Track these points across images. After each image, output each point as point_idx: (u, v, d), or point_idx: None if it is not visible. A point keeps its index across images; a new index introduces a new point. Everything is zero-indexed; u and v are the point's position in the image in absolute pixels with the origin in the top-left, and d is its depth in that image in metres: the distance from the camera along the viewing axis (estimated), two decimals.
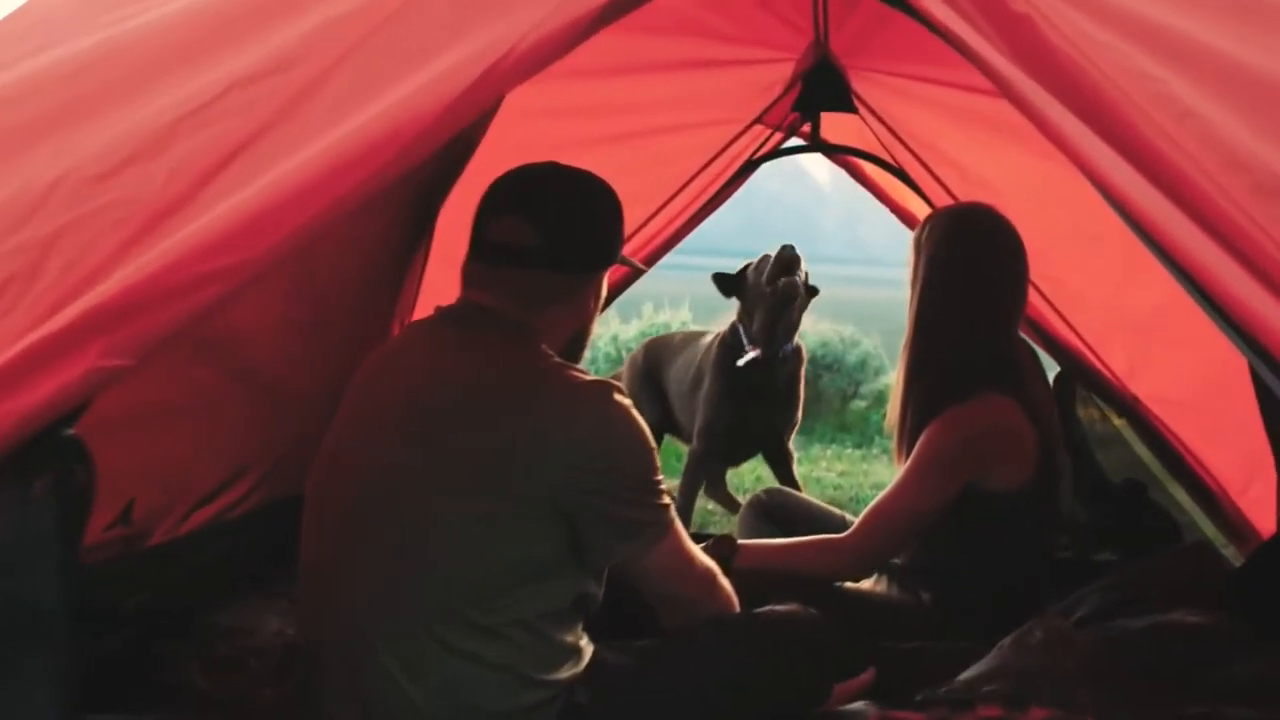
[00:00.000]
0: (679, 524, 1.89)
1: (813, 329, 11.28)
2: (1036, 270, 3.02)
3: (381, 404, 1.88)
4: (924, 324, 2.61)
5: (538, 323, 1.90)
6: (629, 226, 3.33)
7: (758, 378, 4.24)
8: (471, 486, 1.73)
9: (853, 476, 6.73)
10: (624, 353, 8.28)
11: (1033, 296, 3.19)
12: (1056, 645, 2.07)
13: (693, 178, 3.46)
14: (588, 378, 1.80)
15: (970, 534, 2.55)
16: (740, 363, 4.15)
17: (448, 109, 1.27)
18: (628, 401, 1.81)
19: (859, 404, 10.08)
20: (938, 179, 3.34)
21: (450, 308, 1.96)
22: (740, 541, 2.57)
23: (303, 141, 1.22)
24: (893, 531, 2.54)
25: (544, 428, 1.74)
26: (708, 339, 4.64)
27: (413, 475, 1.76)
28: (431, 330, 1.97)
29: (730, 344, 4.29)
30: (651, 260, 3.58)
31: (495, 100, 1.39)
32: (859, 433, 9.06)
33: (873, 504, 2.54)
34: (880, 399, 10.15)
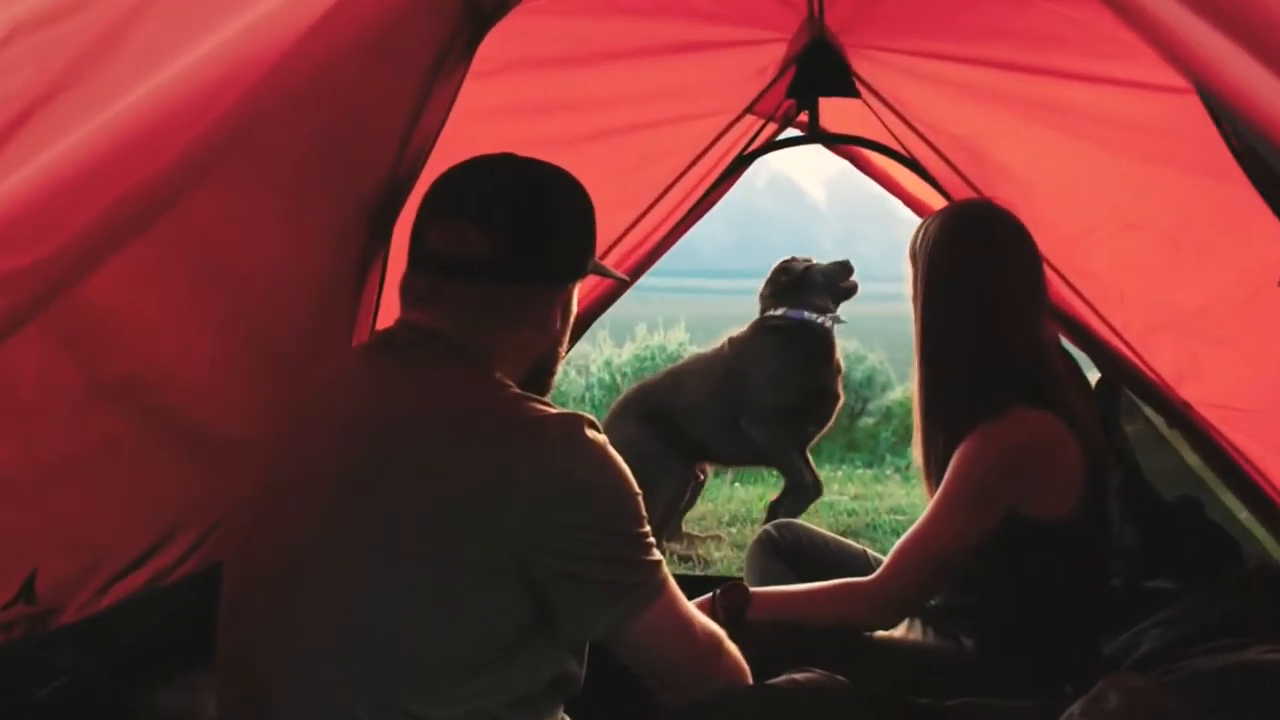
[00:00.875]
0: (672, 583, 1.60)
1: None
2: (1070, 264, 2.89)
3: (303, 453, 1.60)
4: (931, 341, 2.41)
5: (493, 347, 1.65)
6: (607, 236, 3.15)
7: (819, 346, 4.92)
8: (413, 551, 1.45)
9: (867, 500, 6.49)
10: (619, 378, 8.08)
11: (1067, 294, 2.98)
12: (1136, 710, 1.73)
13: (678, 178, 3.16)
14: (553, 410, 1.53)
15: (1015, 568, 2.32)
16: (824, 322, 4.92)
17: (305, 38, 0.93)
18: (603, 438, 1.54)
19: (867, 421, 9.97)
20: (953, 167, 3.02)
21: (387, 331, 1.69)
22: (752, 590, 2.32)
23: (112, 96, 0.88)
24: (926, 570, 2.28)
25: (500, 474, 1.46)
26: (713, 350, 5.12)
27: (342, 540, 1.48)
28: (364, 360, 1.70)
29: (783, 325, 4.91)
30: (635, 273, 3.27)
31: (371, 27, 1.05)
32: (869, 451, 8.96)
33: (902, 540, 2.29)
34: (889, 415, 10.26)
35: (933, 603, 2.39)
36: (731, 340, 5.04)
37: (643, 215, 3.19)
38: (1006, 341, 2.33)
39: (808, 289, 4.99)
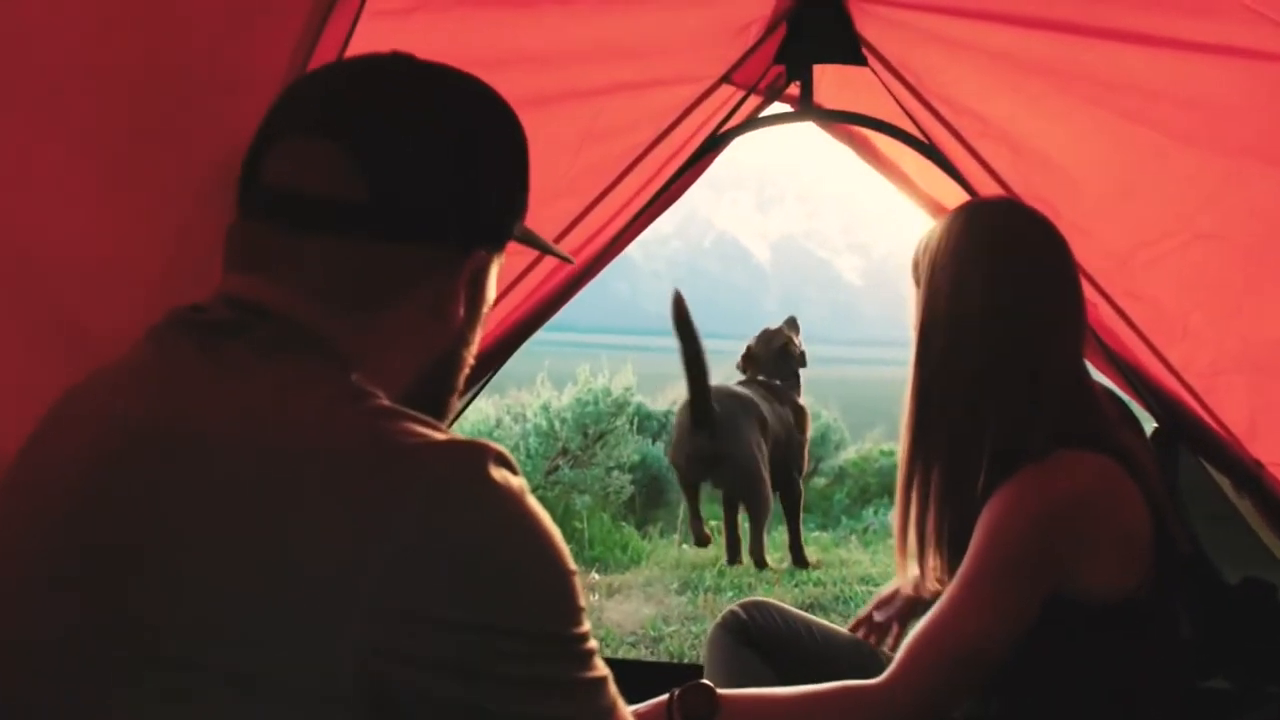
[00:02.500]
0: (623, 710, 1.04)
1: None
2: (1119, 285, 2.48)
3: (23, 504, 1.07)
4: (929, 375, 2.00)
5: (357, 337, 1.11)
6: (545, 231, 2.59)
7: None
8: (193, 666, 0.91)
9: (832, 568, 6.18)
10: (558, 425, 7.47)
11: (1113, 322, 2.55)
12: None
13: (635, 161, 2.66)
14: (438, 436, 0.98)
15: (1059, 666, 1.87)
16: None
17: None
18: (519, 482, 0.99)
19: (819, 481, 10.07)
20: (979, 158, 2.55)
21: (193, 310, 1.13)
22: (721, 693, 1.83)
23: None
24: (951, 669, 1.80)
25: (342, 537, 0.92)
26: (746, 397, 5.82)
27: (85, 643, 0.95)
28: (148, 355, 1.12)
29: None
30: (582, 277, 2.78)
31: None
32: (821, 513, 8.86)
33: (918, 630, 1.83)
34: (842, 476, 10.23)
35: (957, 716, 1.97)
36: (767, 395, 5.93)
37: (590, 207, 2.69)
38: (1028, 377, 1.92)
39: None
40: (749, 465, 5.45)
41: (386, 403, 1.02)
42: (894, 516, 2.06)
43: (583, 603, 1.00)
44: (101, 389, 1.11)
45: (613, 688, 1.02)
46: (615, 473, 7.71)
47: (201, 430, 0.98)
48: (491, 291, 1.25)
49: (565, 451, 7.63)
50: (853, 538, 7.35)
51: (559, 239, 2.64)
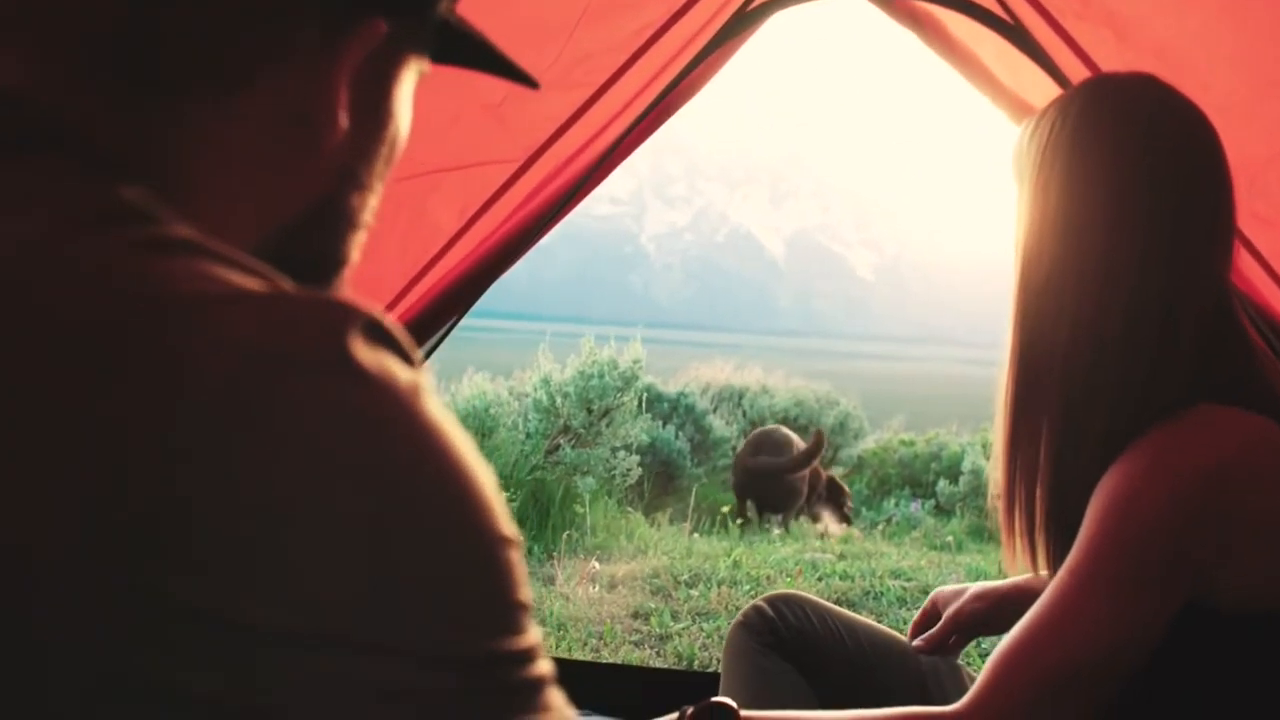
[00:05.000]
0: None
1: (784, 385, 10.88)
2: (1246, 206, 2.04)
3: None
4: (1038, 303, 1.59)
5: (154, 139, 0.65)
6: (540, 126, 2.27)
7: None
8: None
9: (857, 559, 5.85)
10: (560, 400, 7.01)
11: (1240, 259, 2.17)
12: None
13: (647, 44, 2.24)
14: (257, 288, 0.55)
15: (1196, 695, 1.50)
16: None
17: None
18: (409, 374, 0.55)
19: (837, 470, 9.79)
20: (1075, 45, 2.13)
21: None
22: (745, 715, 1.53)
23: None
24: (1048, 695, 1.45)
25: (73, 471, 0.48)
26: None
27: None
28: None
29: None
30: (588, 181, 2.34)
31: None
32: None
33: (1007, 642, 1.47)
34: (861, 465, 10.08)
35: None
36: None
37: (588, 104, 2.28)
38: (1165, 305, 1.52)
39: None
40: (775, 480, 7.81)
41: (182, 232, 0.59)
42: (996, 490, 1.69)
43: (526, 595, 0.57)
44: None
45: (556, 694, 0.59)
46: (622, 454, 7.29)
47: None
48: (402, 108, 0.77)
49: (567, 429, 7.13)
50: (873, 530, 7.14)
51: (547, 143, 2.26)
